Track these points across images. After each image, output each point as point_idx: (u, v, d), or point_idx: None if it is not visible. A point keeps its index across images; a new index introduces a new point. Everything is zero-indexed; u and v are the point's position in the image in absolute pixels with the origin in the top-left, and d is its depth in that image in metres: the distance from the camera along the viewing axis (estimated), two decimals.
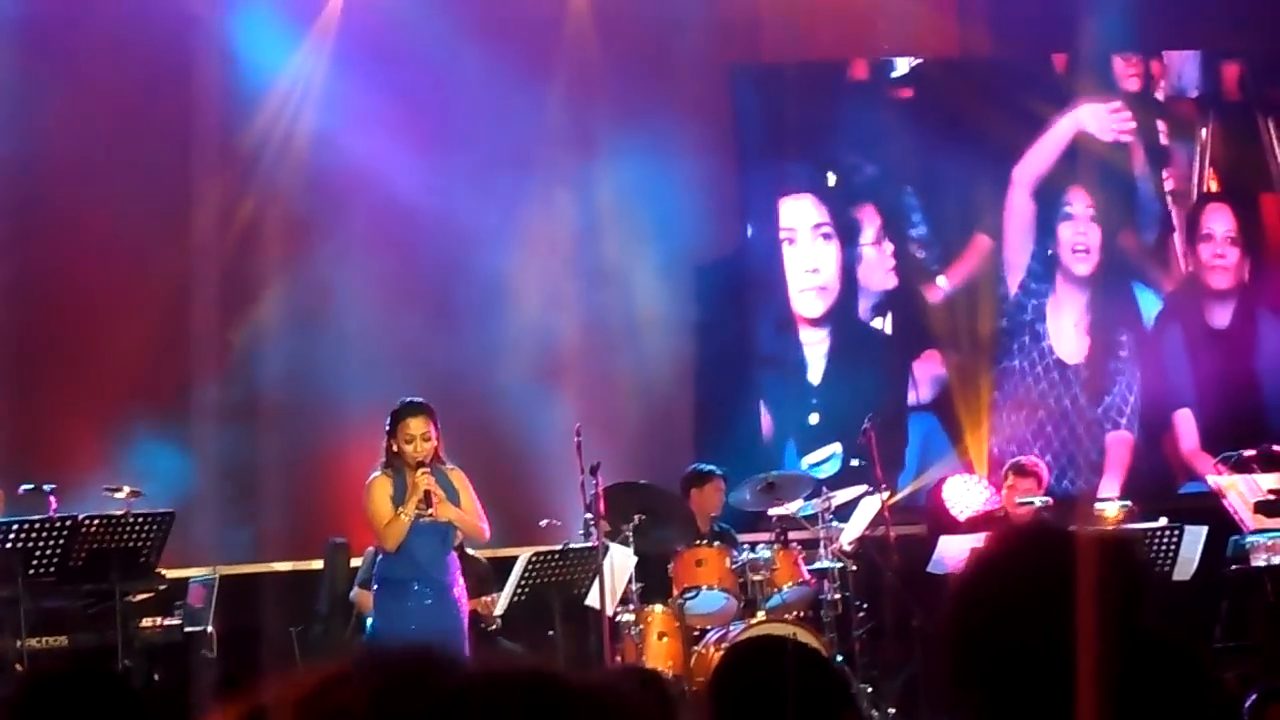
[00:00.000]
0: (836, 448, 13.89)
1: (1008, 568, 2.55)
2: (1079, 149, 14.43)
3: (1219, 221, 14.68)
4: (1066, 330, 14.44)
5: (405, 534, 9.64)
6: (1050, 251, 14.45)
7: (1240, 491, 12.06)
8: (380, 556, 9.92)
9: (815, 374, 14.28)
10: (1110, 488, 14.05)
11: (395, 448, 9.73)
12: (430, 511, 9.62)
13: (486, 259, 13.52)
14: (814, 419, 14.17)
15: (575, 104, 13.88)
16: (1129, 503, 12.60)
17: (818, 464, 13.75)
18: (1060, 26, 14.21)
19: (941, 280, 14.36)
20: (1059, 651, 2.39)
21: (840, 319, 14.29)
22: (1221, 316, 14.57)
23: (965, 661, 2.51)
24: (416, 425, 9.67)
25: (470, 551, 11.57)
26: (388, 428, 9.75)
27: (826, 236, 14.34)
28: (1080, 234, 14.51)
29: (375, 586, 9.99)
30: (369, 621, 10.38)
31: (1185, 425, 14.37)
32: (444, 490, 9.73)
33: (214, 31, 12.99)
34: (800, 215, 14.36)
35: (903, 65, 14.56)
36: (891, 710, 11.62)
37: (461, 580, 9.94)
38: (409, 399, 9.81)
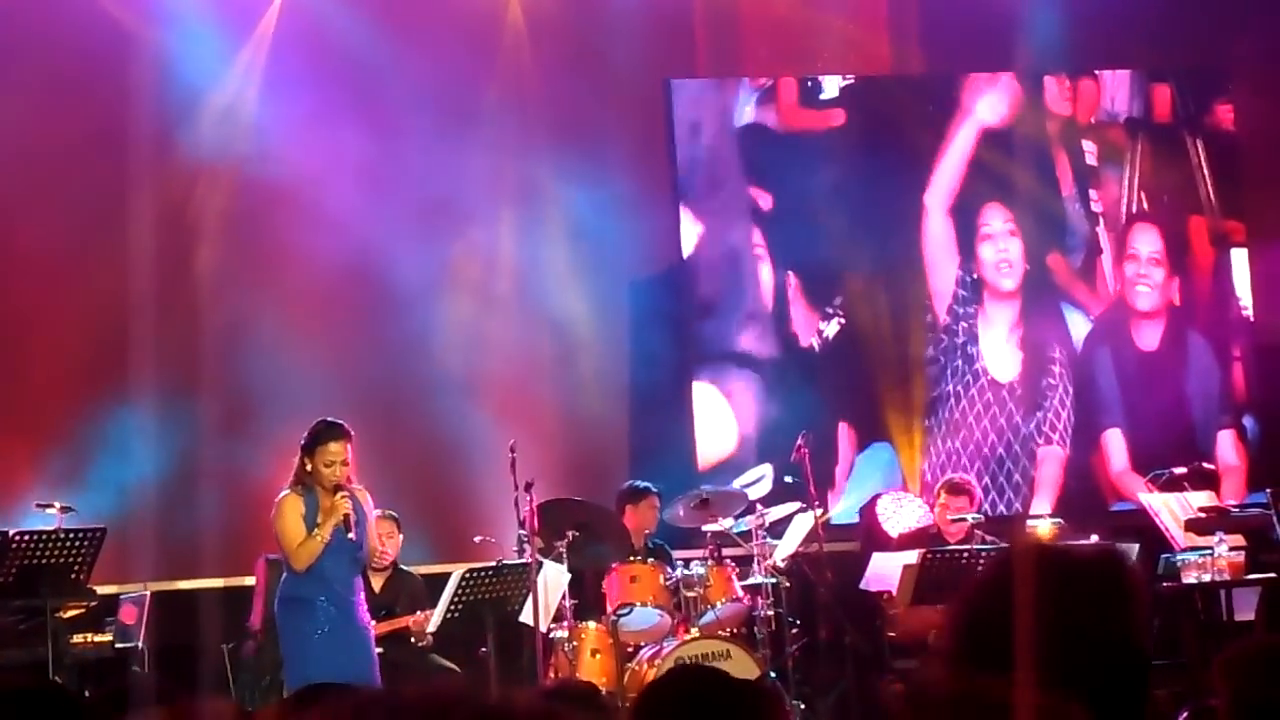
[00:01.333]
0: (767, 469, 13.91)
1: (1007, 582, 2.64)
2: (987, 161, 14.48)
3: (1145, 242, 14.74)
4: (998, 348, 14.49)
5: (317, 555, 9.56)
6: (974, 275, 14.48)
7: (1171, 509, 12.15)
8: (285, 575, 9.78)
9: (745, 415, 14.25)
10: (1042, 504, 14.10)
11: (310, 467, 9.59)
12: (350, 536, 9.53)
13: (420, 273, 13.48)
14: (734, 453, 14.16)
15: (510, 115, 13.87)
16: (1059, 520, 12.68)
17: (749, 484, 13.77)
18: (994, 46, 14.29)
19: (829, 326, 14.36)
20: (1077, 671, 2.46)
21: (775, 340, 14.29)
22: (1150, 338, 14.64)
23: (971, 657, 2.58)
24: (337, 450, 9.55)
25: (404, 568, 11.57)
26: (304, 444, 9.62)
27: (758, 259, 14.32)
28: (1001, 251, 14.53)
29: (278, 606, 9.86)
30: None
31: (1115, 445, 14.43)
32: (356, 513, 9.61)
33: (148, 41, 12.94)
34: (738, 236, 14.37)
35: (831, 86, 14.57)
36: None
37: (364, 599, 9.89)
38: (330, 420, 9.65)
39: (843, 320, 14.33)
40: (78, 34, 12.89)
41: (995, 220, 14.53)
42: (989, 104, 14.58)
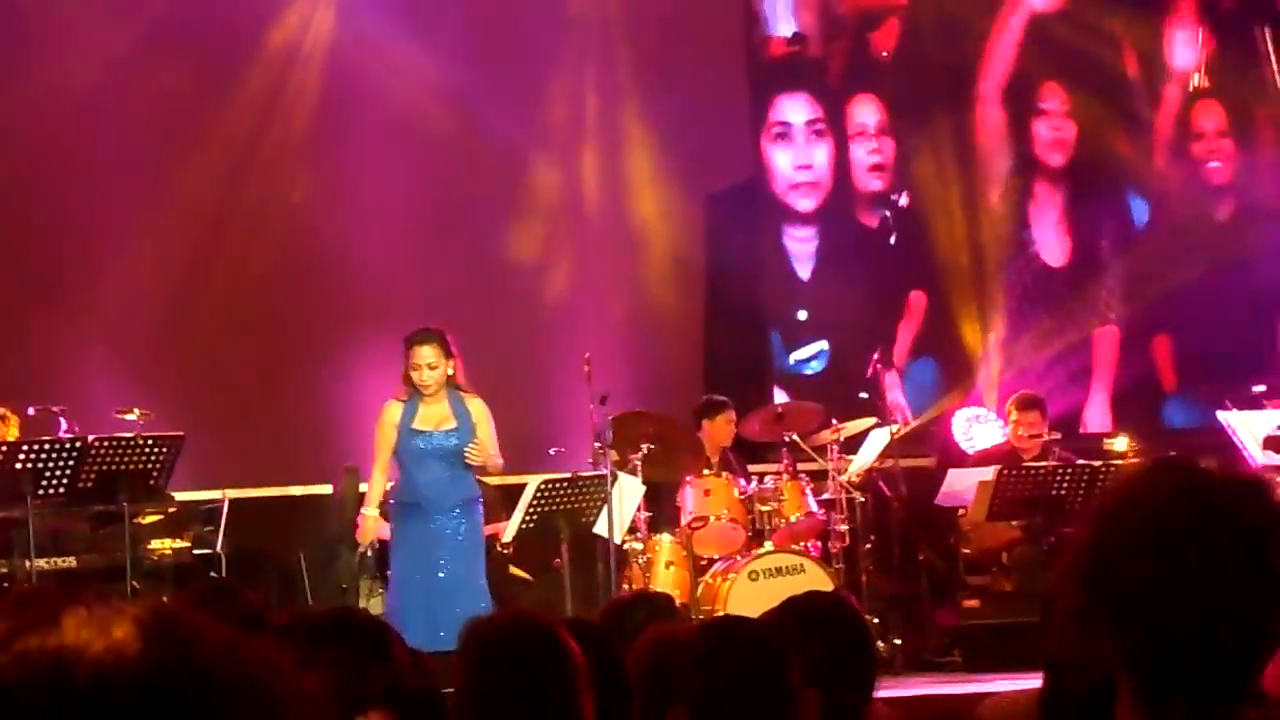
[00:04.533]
0: (823, 344, 14.00)
1: (1149, 504, 2.43)
2: (1045, 38, 14.44)
3: (1210, 119, 14.69)
4: (1048, 232, 14.50)
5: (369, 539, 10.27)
6: (1025, 152, 14.50)
7: (1249, 426, 12.05)
8: (398, 479, 10.05)
9: (804, 271, 14.33)
10: (1100, 388, 14.12)
11: (406, 372, 9.86)
12: (471, 448, 9.88)
13: (501, 181, 13.50)
14: (802, 315, 14.24)
15: (588, 26, 13.84)
16: (1131, 440, 12.64)
17: (804, 360, 13.85)
18: None
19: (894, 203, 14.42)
20: (1209, 597, 2.31)
21: (832, 217, 14.35)
22: (1220, 212, 14.62)
23: (1094, 604, 2.40)
24: (421, 354, 9.90)
25: (479, 478, 11.59)
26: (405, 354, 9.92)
27: (819, 133, 14.37)
28: (1055, 129, 14.55)
29: (392, 504, 10.13)
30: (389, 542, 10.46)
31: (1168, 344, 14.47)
32: (459, 419, 9.94)
33: None
34: (794, 111, 14.37)
35: None
36: (898, 641, 11.64)
37: (480, 498, 10.11)
38: (422, 327, 9.93)
39: (907, 201, 14.37)
40: None
41: (1052, 100, 14.50)
42: None
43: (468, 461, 10.02)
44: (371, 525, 10.20)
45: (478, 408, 10.07)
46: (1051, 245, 14.56)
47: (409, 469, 9.97)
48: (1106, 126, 14.54)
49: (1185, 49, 14.71)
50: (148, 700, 0.92)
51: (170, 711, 0.93)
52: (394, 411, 9.96)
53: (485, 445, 10.02)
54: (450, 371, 9.96)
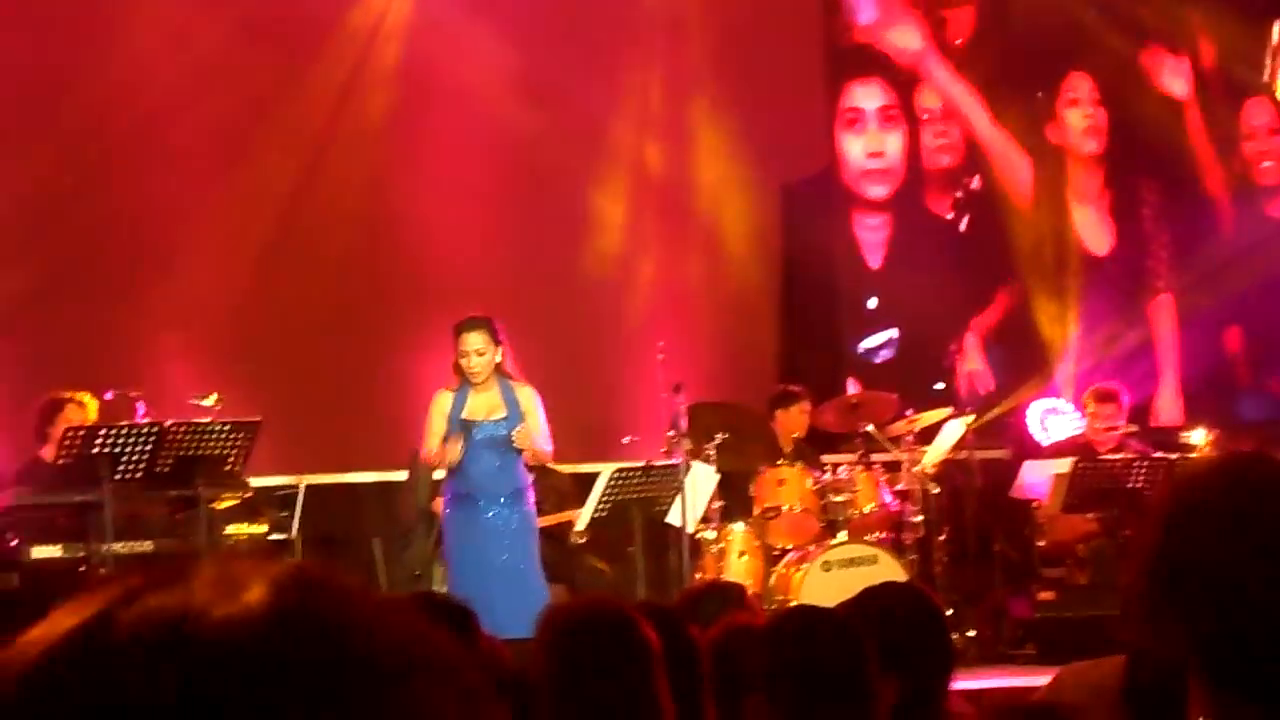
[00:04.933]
0: (893, 333, 13.98)
1: (1224, 494, 2.40)
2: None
3: (1259, 115, 14.64)
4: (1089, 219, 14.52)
5: (446, 464, 9.99)
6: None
7: None
8: (447, 471, 10.05)
9: (875, 259, 14.32)
10: (1169, 375, 14.08)
11: (456, 360, 9.95)
12: (518, 430, 9.82)
13: (576, 170, 13.50)
14: (872, 303, 14.23)
15: (663, 11, 13.84)
16: (1214, 432, 12.54)
17: (874, 349, 13.86)
18: None
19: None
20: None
21: (904, 204, 14.34)
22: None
23: (1166, 594, 2.37)
24: (469, 341, 9.93)
25: (552, 467, 11.60)
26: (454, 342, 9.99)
27: (891, 119, 14.36)
28: (1088, 116, 14.56)
29: (445, 499, 10.14)
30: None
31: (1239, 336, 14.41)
32: (509, 407, 9.96)
33: None
34: (867, 98, 14.36)
35: None
36: (971, 633, 11.60)
37: (530, 487, 10.09)
38: (471, 315, 9.96)
39: (979, 184, 14.35)
40: None
41: (1083, 88, 14.47)
42: None
43: (514, 444, 10.02)
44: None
45: (527, 396, 10.07)
46: (1095, 232, 14.52)
47: (466, 460, 9.97)
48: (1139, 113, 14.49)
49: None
50: (271, 665, 0.89)
51: (294, 678, 0.90)
52: (444, 401, 10.00)
53: (533, 431, 10.01)
54: (499, 359, 9.97)
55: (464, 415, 9.94)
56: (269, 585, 0.92)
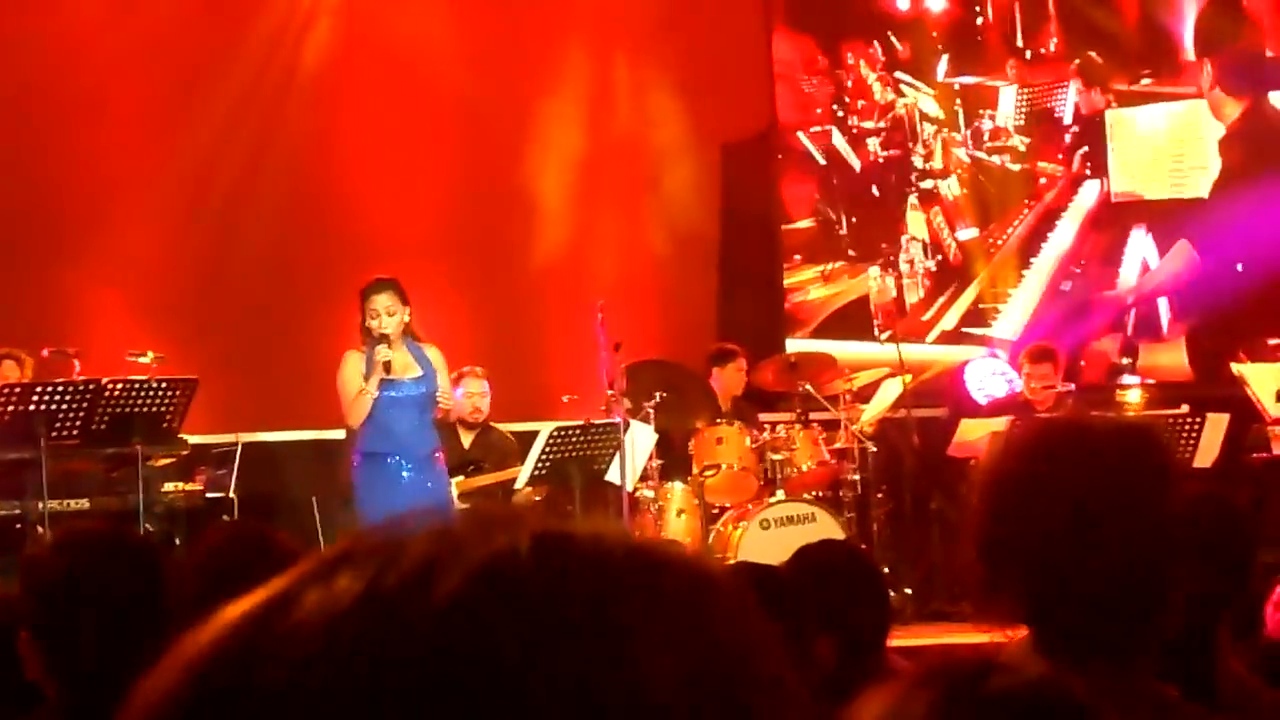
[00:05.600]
0: None
1: (1030, 463, 2.43)
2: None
3: None
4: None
5: (369, 409, 9.84)
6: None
7: (1262, 380, 12.04)
8: (361, 431, 10.00)
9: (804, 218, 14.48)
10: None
11: (364, 324, 9.88)
12: (389, 378, 9.82)
13: (514, 127, 13.47)
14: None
15: None
16: (1148, 386, 12.62)
17: None
18: None
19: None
20: (1099, 549, 2.30)
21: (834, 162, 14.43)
22: None
23: (993, 566, 2.41)
24: (378, 300, 9.88)
25: (493, 425, 11.61)
26: (360, 306, 9.90)
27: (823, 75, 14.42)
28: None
29: (356, 460, 10.08)
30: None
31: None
32: (423, 366, 9.95)
33: None
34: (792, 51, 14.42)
35: None
36: (908, 591, 11.66)
37: (440, 451, 10.07)
38: (377, 276, 9.93)
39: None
40: None
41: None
42: None
43: (441, 407, 10.01)
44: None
45: (436, 355, 10.09)
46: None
47: (380, 419, 9.89)
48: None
49: None
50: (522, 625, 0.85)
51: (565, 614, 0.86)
52: (356, 360, 9.94)
53: (443, 389, 10.03)
54: (406, 319, 9.95)
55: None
56: (522, 530, 0.88)
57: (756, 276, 14.12)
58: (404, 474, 9.91)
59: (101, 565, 3.44)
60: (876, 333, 13.99)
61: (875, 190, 14.50)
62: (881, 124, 14.58)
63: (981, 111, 14.77)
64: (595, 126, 13.84)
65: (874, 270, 14.36)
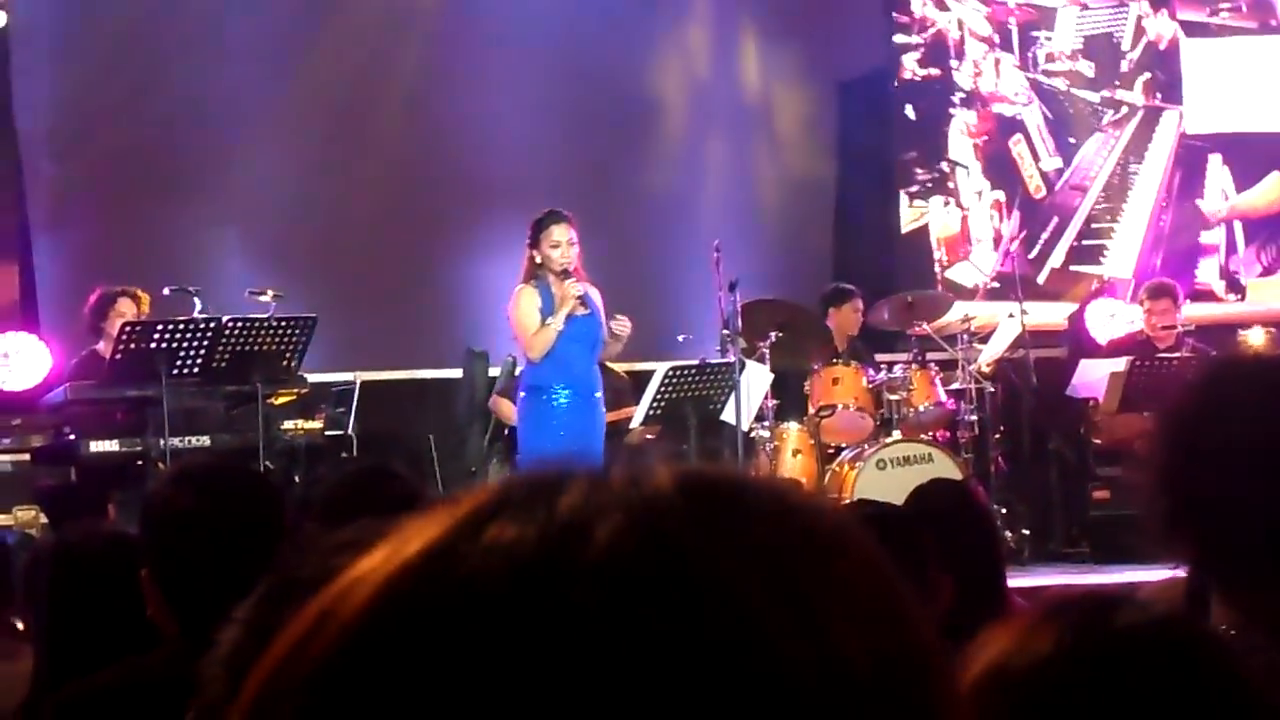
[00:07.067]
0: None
1: (1233, 404, 2.39)
2: None
3: None
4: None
5: (553, 343, 9.71)
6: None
7: None
8: (527, 365, 9.99)
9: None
10: None
11: (539, 257, 9.78)
12: (585, 312, 9.74)
13: (631, 71, 13.45)
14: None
15: None
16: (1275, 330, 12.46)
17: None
18: None
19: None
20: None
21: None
22: None
23: (1178, 504, 2.36)
24: (561, 232, 9.76)
25: (609, 364, 11.61)
26: (530, 237, 9.79)
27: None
28: None
29: (521, 393, 10.07)
30: (516, 429, 10.43)
31: None
32: (589, 304, 9.85)
33: None
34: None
35: None
36: (1025, 531, 11.59)
37: (602, 388, 10.07)
38: (552, 208, 9.86)
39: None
40: None
41: None
42: None
43: (617, 339, 9.99)
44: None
45: (596, 295, 10.00)
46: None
47: (556, 353, 9.81)
48: None
49: None
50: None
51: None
52: (532, 294, 9.81)
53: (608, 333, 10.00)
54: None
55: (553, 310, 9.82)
56: (673, 476, 0.88)
57: (874, 214, 14.03)
58: (569, 404, 9.85)
59: (219, 500, 3.43)
60: (938, 270, 13.85)
61: (910, 112, 14.27)
62: (920, 39, 14.25)
63: (1035, 34, 14.40)
64: (711, 66, 13.78)
65: (936, 200, 14.17)
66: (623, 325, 10.02)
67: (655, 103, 13.60)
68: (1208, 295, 14.09)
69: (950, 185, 14.16)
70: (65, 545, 4.08)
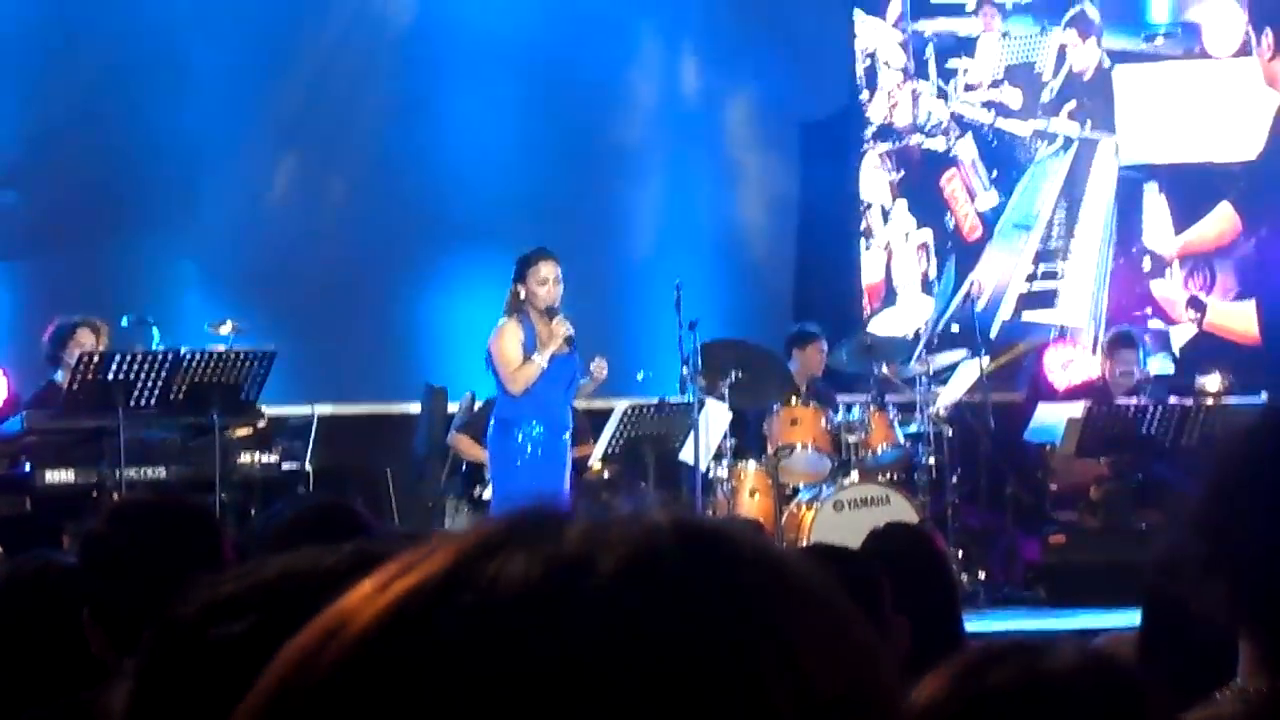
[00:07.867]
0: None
1: (1274, 455, 2.35)
2: None
3: None
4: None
5: (534, 380, 9.72)
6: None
7: None
8: (501, 397, 9.96)
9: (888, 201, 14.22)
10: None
11: (523, 293, 9.80)
12: (570, 352, 9.81)
13: (595, 112, 13.45)
14: None
15: None
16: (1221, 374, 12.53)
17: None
18: None
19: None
20: None
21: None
22: None
23: (1215, 552, 2.34)
24: (549, 269, 9.83)
25: None
26: (516, 272, 9.83)
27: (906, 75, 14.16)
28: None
29: (492, 427, 10.04)
30: (485, 462, 10.42)
31: None
32: (570, 343, 9.90)
33: None
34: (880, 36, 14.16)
35: None
36: (981, 575, 11.59)
37: (573, 426, 10.08)
38: (540, 246, 9.89)
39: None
40: None
41: None
42: None
43: (595, 380, 10.05)
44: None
45: (571, 331, 9.99)
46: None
47: (533, 389, 9.81)
48: None
49: None
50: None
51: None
52: (515, 329, 9.83)
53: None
54: None
55: (535, 346, 9.81)
56: (665, 518, 0.94)
57: (835, 257, 14.04)
58: (540, 446, 9.85)
59: (156, 537, 3.39)
60: (863, 318, 13.77)
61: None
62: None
63: (951, 63, 14.15)
64: (675, 107, 13.80)
65: (862, 243, 14.00)
66: (601, 368, 10.05)
67: (617, 142, 13.60)
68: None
69: (862, 226, 14.03)
70: (15, 576, 4.04)
